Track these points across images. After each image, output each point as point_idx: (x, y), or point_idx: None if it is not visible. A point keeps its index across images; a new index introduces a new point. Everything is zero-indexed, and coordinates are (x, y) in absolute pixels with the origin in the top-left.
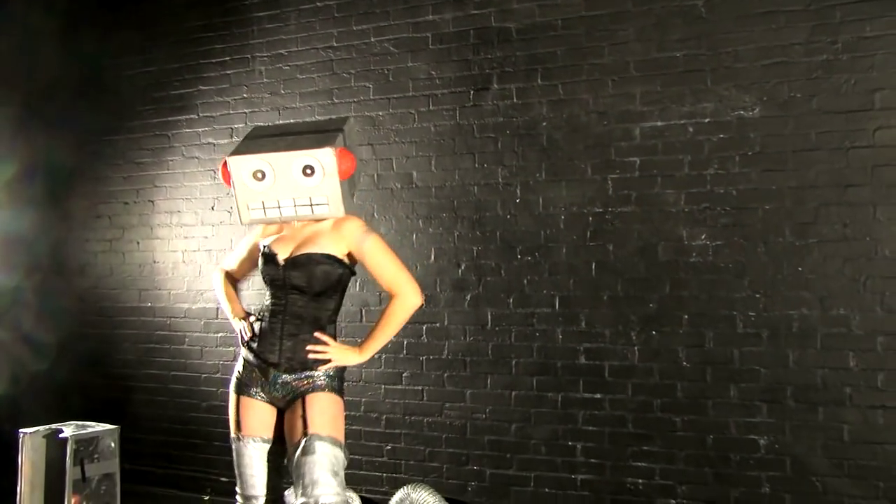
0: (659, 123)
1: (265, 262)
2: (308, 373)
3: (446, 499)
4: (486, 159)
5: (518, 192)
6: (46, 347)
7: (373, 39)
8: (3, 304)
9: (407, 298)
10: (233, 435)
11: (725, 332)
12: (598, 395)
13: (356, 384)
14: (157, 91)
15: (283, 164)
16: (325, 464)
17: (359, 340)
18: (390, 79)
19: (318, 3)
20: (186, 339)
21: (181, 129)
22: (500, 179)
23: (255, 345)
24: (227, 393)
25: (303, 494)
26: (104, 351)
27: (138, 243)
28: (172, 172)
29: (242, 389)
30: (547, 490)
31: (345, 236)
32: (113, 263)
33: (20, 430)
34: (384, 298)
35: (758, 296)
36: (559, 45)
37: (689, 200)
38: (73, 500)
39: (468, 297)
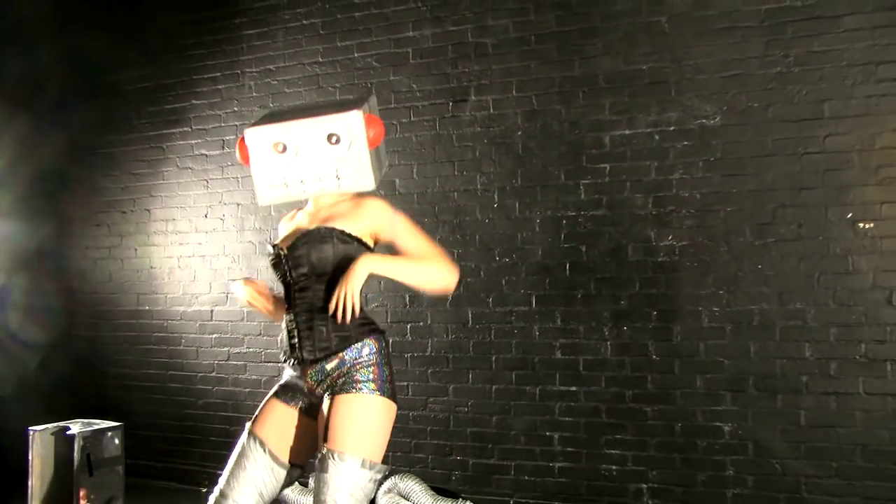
0: (627, 132)
1: (269, 256)
2: (337, 362)
3: (432, 487)
4: (465, 167)
5: (496, 197)
6: (49, 350)
7: (356, 55)
8: (6, 309)
9: (445, 269)
10: (247, 428)
11: (691, 327)
12: (574, 388)
13: None
14: (152, 105)
15: (306, 132)
16: (337, 486)
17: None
18: (373, 92)
19: (305, 22)
20: (182, 341)
21: (175, 141)
22: (478, 186)
23: (282, 352)
24: (225, 391)
25: None
26: (104, 352)
27: (136, 250)
28: (167, 182)
29: (279, 392)
30: (526, 478)
31: (368, 215)
32: (112, 269)
33: (30, 428)
34: (370, 298)
35: (721, 292)
36: (532, 59)
37: (656, 204)
38: (80, 493)
39: (450, 297)
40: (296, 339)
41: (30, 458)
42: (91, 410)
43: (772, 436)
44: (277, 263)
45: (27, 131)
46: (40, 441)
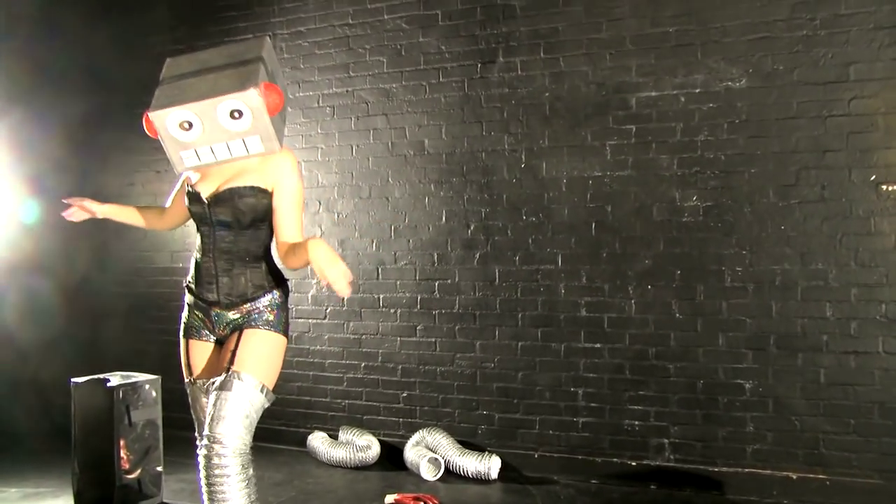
0: (653, 94)
1: (190, 202)
2: (249, 305)
3: (458, 441)
4: (492, 128)
5: (523, 157)
6: (88, 305)
7: (386, 17)
8: (44, 268)
9: (290, 259)
10: (186, 380)
11: (714, 286)
12: (598, 345)
13: (373, 336)
14: None
15: (209, 111)
16: (236, 403)
17: (376, 297)
18: (403, 53)
19: None
20: None
21: None
22: (506, 146)
23: (193, 286)
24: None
25: (206, 428)
26: (141, 308)
27: None
28: None
29: (190, 333)
30: (551, 432)
31: (275, 171)
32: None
33: (72, 379)
34: (400, 256)
35: (744, 252)
36: (560, 21)
37: (681, 165)
38: (120, 443)
39: (477, 256)
40: (213, 282)
41: (72, 408)
42: (130, 364)
43: (791, 393)
44: (201, 213)
45: (60, 90)
46: (82, 392)
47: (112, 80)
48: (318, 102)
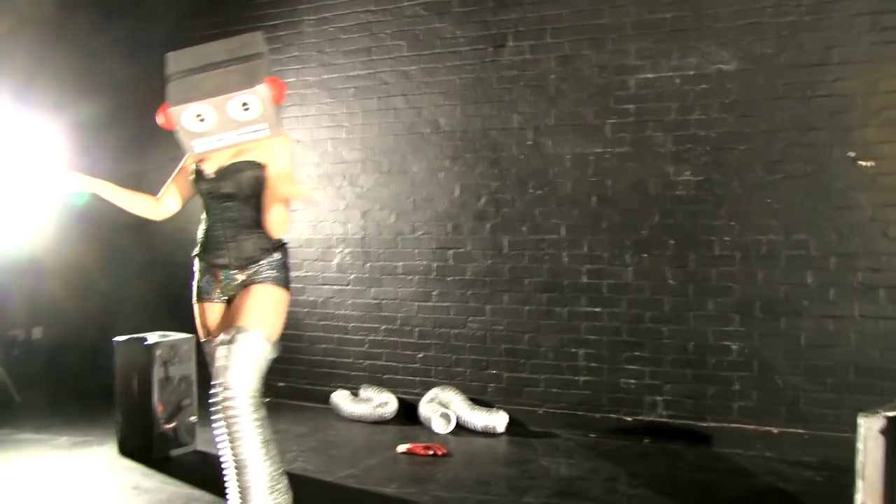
0: (650, 75)
1: (197, 179)
2: (255, 266)
3: (469, 398)
4: (502, 107)
5: (530, 135)
6: (133, 275)
7: (405, 4)
8: (101, 243)
9: (274, 224)
10: (202, 339)
11: (705, 255)
12: (598, 309)
13: (392, 301)
14: None
15: (222, 105)
16: (243, 353)
17: (395, 265)
18: (420, 38)
19: None
20: None
21: None
22: (514, 125)
23: (203, 254)
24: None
25: (215, 378)
26: (179, 275)
27: None
28: None
29: (202, 296)
30: (554, 390)
31: (271, 149)
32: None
33: (114, 339)
34: (417, 227)
35: (732, 223)
36: (565, 8)
37: (675, 142)
38: (157, 396)
39: (488, 226)
40: (224, 248)
41: (115, 365)
42: (168, 324)
43: (774, 354)
44: (209, 188)
45: (102, 81)
46: (123, 350)
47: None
48: (343, 84)
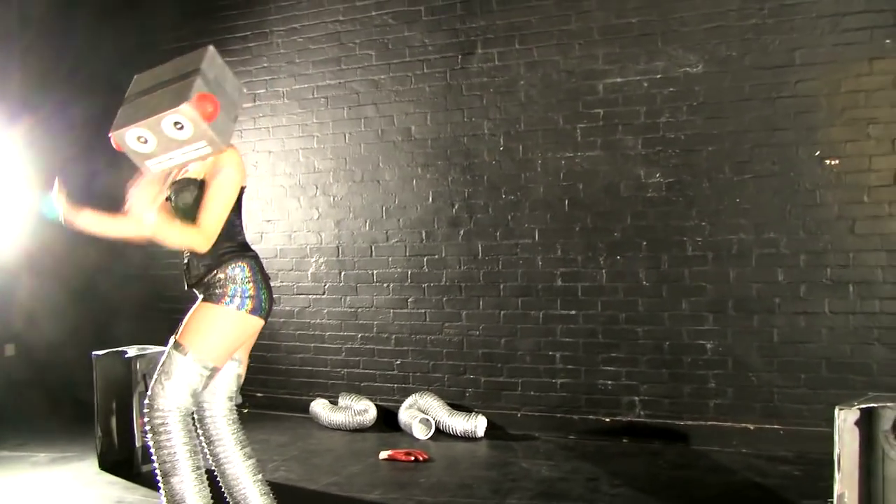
0: (619, 80)
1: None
2: (206, 282)
3: (448, 403)
4: (473, 114)
5: (501, 141)
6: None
7: (374, 13)
8: (75, 257)
9: (191, 232)
10: None
11: (677, 255)
12: (573, 312)
13: (368, 309)
14: None
15: (156, 126)
16: (169, 369)
17: (370, 272)
18: (389, 47)
19: None
20: None
21: None
22: (485, 131)
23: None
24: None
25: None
26: (154, 289)
27: None
28: None
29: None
30: (532, 393)
31: (210, 164)
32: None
33: (93, 353)
34: (391, 235)
35: (703, 224)
36: (533, 14)
37: (645, 145)
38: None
39: (462, 232)
40: (185, 266)
41: (94, 378)
42: (145, 339)
43: (748, 352)
44: (170, 204)
45: (69, 90)
46: (103, 364)
47: (117, 80)
48: (313, 94)
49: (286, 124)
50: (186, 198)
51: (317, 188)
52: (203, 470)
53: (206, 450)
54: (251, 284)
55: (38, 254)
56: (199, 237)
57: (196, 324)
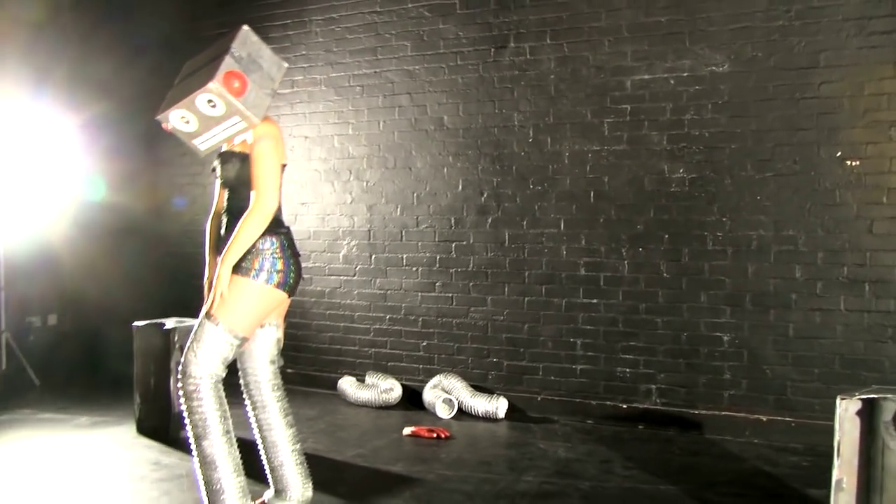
0: (646, 77)
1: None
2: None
3: (471, 385)
4: (504, 106)
5: (530, 133)
6: (145, 263)
7: (410, 5)
8: (115, 235)
9: (253, 209)
10: None
11: (698, 249)
12: (595, 300)
13: (397, 292)
14: None
15: (193, 106)
16: (200, 339)
17: (400, 256)
18: (425, 38)
19: None
20: None
21: None
22: (515, 122)
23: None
24: (294, 301)
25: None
26: (191, 268)
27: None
28: None
29: None
30: (552, 377)
31: (253, 136)
32: (195, 193)
33: (134, 324)
34: (421, 220)
35: (724, 219)
36: (565, 11)
37: (669, 141)
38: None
39: (489, 220)
40: (226, 237)
41: (135, 349)
42: (183, 312)
43: (764, 345)
44: (216, 176)
45: (118, 77)
46: (142, 335)
47: (169, 62)
48: (349, 82)
49: (322, 111)
50: (229, 170)
51: (350, 173)
52: (232, 434)
53: (251, 415)
54: (280, 259)
55: (79, 233)
56: (261, 204)
57: (227, 296)
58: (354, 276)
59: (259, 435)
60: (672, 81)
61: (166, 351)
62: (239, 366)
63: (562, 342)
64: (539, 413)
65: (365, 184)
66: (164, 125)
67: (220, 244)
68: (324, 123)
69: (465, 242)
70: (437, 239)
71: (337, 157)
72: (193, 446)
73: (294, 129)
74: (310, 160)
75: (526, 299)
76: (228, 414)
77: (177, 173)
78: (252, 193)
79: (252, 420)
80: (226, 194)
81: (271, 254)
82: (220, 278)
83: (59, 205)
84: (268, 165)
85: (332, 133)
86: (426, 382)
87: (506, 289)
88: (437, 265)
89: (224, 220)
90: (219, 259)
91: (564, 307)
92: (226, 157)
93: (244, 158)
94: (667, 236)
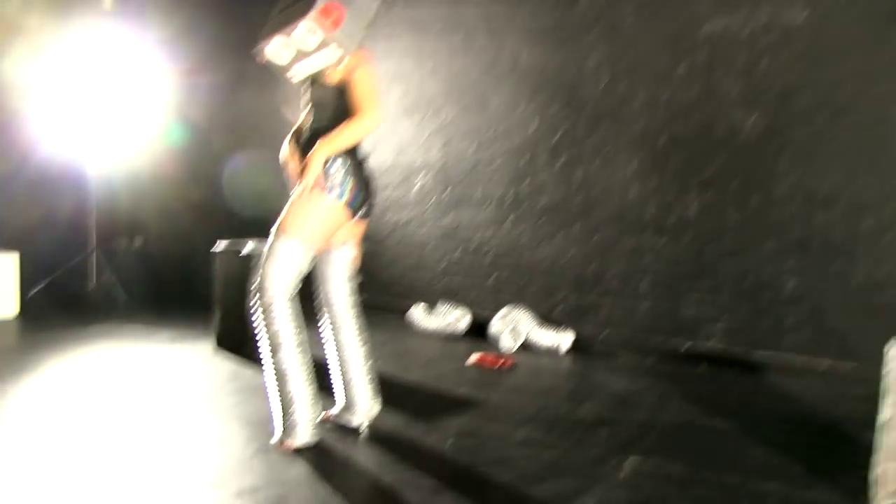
0: (723, 24)
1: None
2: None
3: (537, 318)
4: (579, 49)
5: (605, 76)
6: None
7: None
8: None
9: (362, 118)
10: None
11: (766, 197)
12: (663, 241)
13: (469, 226)
14: None
15: (289, 37)
16: (274, 255)
17: (473, 191)
18: None
19: None
20: None
21: None
22: (590, 66)
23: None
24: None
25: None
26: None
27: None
28: None
29: None
30: (617, 314)
31: (345, 68)
32: (284, 122)
33: (213, 249)
34: (495, 157)
35: (794, 168)
36: None
37: (743, 88)
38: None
39: (561, 160)
40: (307, 134)
41: (214, 272)
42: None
43: (828, 293)
44: (307, 97)
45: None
46: (221, 259)
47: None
48: (429, 20)
49: (402, 48)
50: (316, 93)
51: (427, 110)
52: (306, 346)
53: (326, 333)
54: (351, 179)
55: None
56: (368, 117)
57: (297, 209)
58: (428, 209)
59: (332, 352)
60: (748, 29)
61: (244, 274)
62: (317, 286)
63: (628, 280)
64: (602, 348)
65: (440, 120)
66: (259, 57)
67: (301, 152)
68: (403, 60)
69: (536, 180)
70: (509, 176)
71: (414, 94)
72: (267, 359)
73: (374, 65)
74: (388, 95)
75: (595, 237)
76: (303, 326)
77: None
78: (359, 105)
79: (326, 337)
80: (311, 116)
81: (345, 172)
82: (312, 166)
83: (142, 134)
84: (370, 86)
85: (410, 70)
86: (494, 314)
87: (575, 227)
88: (509, 201)
89: (306, 136)
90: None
91: (631, 246)
92: (315, 81)
93: (333, 87)
94: (736, 182)
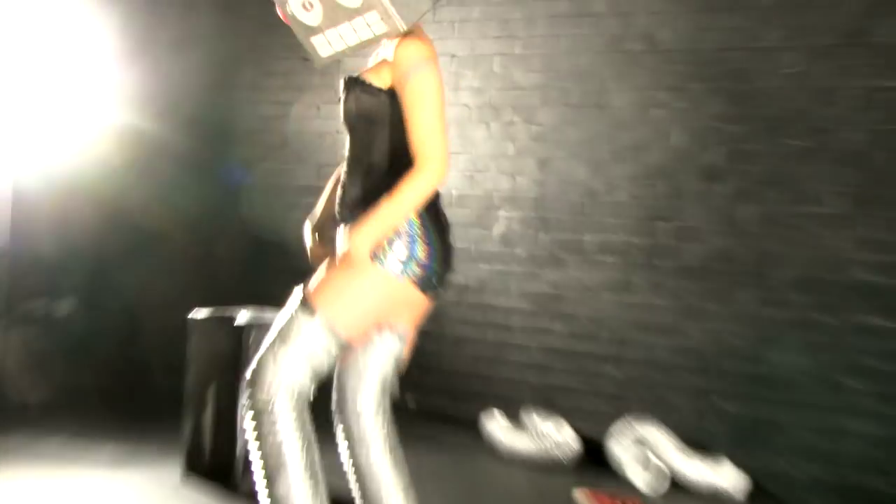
0: None
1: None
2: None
3: (682, 439)
4: (749, 17)
5: (793, 59)
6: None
7: None
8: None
9: (420, 174)
10: None
11: None
12: (889, 324)
13: (575, 291)
14: None
15: None
16: (281, 332)
17: (582, 238)
18: None
19: None
20: None
21: None
22: (767, 43)
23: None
24: None
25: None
26: (278, 241)
27: (319, 108)
28: None
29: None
30: (812, 439)
31: (393, 62)
32: (287, 132)
33: (190, 316)
34: (616, 186)
35: None
36: None
37: None
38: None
39: (720, 190)
40: (340, 193)
41: (188, 351)
42: (256, 297)
43: None
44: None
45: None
46: (202, 331)
47: None
48: None
49: (478, 18)
50: (351, 101)
51: (515, 112)
52: (319, 471)
53: (340, 447)
54: (422, 243)
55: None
56: (429, 170)
57: (335, 278)
58: (514, 264)
59: (354, 473)
60: None
61: (234, 357)
62: (335, 380)
63: (830, 384)
64: (789, 493)
65: (536, 128)
66: (280, 9)
67: (337, 206)
68: (479, 37)
69: (680, 222)
70: (639, 215)
71: (496, 87)
72: (262, 488)
73: (436, 44)
74: (456, 90)
75: (771, 313)
76: (315, 444)
77: (260, 98)
78: (417, 146)
79: (342, 454)
80: (347, 137)
81: (411, 234)
82: (356, 260)
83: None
84: (433, 107)
85: (490, 52)
86: (613, 430)
87: (742, 295)
88: (638, 254)
89: (343, 168)
90: (345, 230)
91: (836, 329)
92: (351, 83)
93: (374, 90)
94: None
